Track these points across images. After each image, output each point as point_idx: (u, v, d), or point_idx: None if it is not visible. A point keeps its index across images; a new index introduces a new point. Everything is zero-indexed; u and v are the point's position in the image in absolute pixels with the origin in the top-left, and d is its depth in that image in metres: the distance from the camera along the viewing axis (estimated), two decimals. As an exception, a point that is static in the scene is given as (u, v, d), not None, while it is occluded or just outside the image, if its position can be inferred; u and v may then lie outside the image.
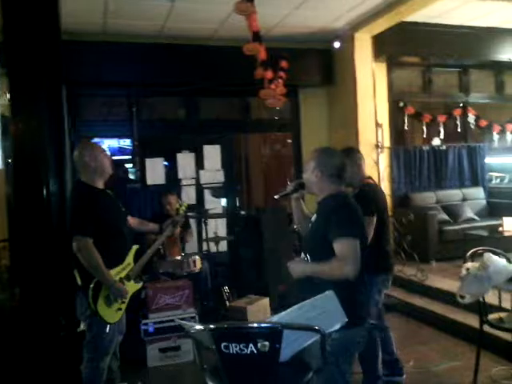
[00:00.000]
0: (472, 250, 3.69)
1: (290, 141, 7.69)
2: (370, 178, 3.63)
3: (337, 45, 6.60)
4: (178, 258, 5.10)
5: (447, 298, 4.92)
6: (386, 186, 6.60)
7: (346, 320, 2.17)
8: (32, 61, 2.62)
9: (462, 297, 3.55)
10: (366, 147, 6.26)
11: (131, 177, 6.76)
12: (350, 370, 2.48)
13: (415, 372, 3.91)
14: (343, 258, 2.29)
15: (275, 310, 4.80)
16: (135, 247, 3.39)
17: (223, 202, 6.89)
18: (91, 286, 3.00)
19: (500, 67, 7.72)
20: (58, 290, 2.71)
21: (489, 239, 5.69)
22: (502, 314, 3.54)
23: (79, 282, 3.05)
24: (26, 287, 2.74)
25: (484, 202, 7.47)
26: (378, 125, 6.66)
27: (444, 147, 7.42)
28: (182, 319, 4.12)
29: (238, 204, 7.09)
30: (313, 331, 2.04)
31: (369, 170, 3.77)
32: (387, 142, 6.86)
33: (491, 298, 3.67)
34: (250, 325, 2.17)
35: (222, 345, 1.98)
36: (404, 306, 5.32)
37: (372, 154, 6.49)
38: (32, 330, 2.66)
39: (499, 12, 6.34)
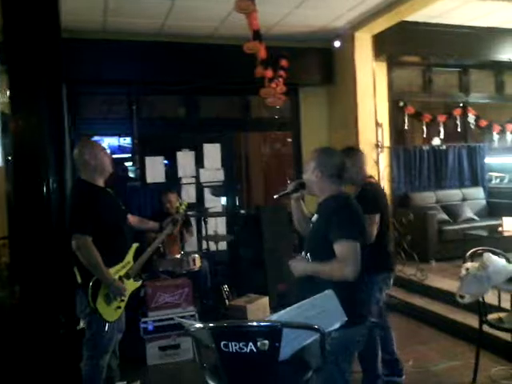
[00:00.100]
0: (472, 250, 3.69)
1: (289, 140, 7.69)
2: (371, 177, 3.66)
3: (337, 44, 6.59)
4: (178, 256, 5.10)
5: (447, 297, 4.93)
6: (385, 186, 6.59)
7: (346, 319, 2.17)
8: (32, 58, 2.61)
9: (462, 297, 3.55)
10: (365, 147, 6.25)
11: (131, 175, 6.76)
12: (350, 368, 2.49)
13: (414, 372, 3.91)
14: (343, 260, 2.29)
15: (275, 308, 4.81)
16: (135, 245, 3.39)
17: (223, 200, 6.88)
18: (90, 284, 3.01)
19: (500, 67, 7.72)
20: (58, 287, 2.71)
21: (488, 239, 5.69)
22: (502, 314, 3.55)
23: (79, 279, 3.05)
24: (25, 285, 2.74)
25: (484, 201, 7.47)
26: (377, 124, 6.66)
27: (444, 147, 7.42)
28: (182, 317, 4.12)
29: (237, 203, 7.08)
30: (312, 330, 2.04)
31: (369, 169, 3.77)
32: (387, 142, 6.86)
33: (491, 298, 3.67)
34: (249, 323, 2.17)
35: (222, 343, 1.98)
36: (404, 305, 5.33)
37: (372, 153, 6.48)
38: (32, 328, 2.66)
39: (499, 12, 6.34)
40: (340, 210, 2.42)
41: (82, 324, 3.22)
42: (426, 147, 7.32)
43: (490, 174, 7.98)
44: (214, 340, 2.00)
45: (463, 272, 3.49)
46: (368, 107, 6.59)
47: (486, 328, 3.56)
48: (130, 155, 6.68)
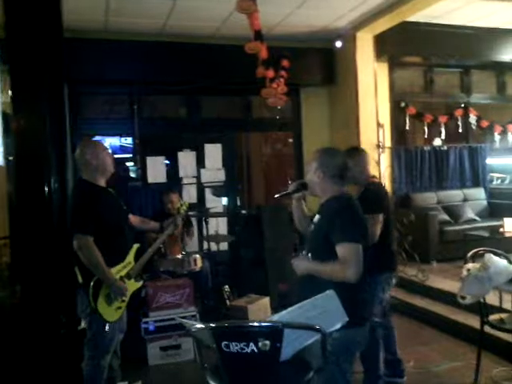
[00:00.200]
0: (473, 251, 3.68)
1: (291, 140, 7.68)
2: (374, 177, 3.68)
3: (338, 44, 6.58)
4: (179, 256, 5.10)
5: (448, 298, 4.92)
6: (387, 186, 6.59)
7: (347, 320, 2.17)
8: (34, 58, 2.62)
9: (463, 297, 3.54)
10: (367, 147, 6.17)
11: (132, 175, 6.76)
12: (351, 369, 2.49)
13: (416, 372, 3.91)
14: (345, 262, 2.29)
15: (276, 309, 4.80)
16: (136, 246, 3.39)
17: (224, 200, 6.88)
18: (92, 283, 3.00)
19: (502, 68, 7.71)
20: (59, 287, 2.71)
21: (489, 240, 5.68)
22: (503, 315, 3.54)
23: (80, 279, 3.05)
24: (26, 285, 2.74)
25: (485, 202, 7.47)
26: (379, 125, 6.66)
27: (445, 148, 7.41)
28: (183, 318, 4.12)
29: (238, 203, 7.08)
30: (313, 330, 2.04)
31: (370, 169, 3.79)
32: (388, 142, 6.86)
33: (492, 298, 3.67)
34: (250, 324, 2.17)
35: (223, 343, 1.98)
36: (405, 306, 5.32)
37: (373, 154, 6.47)
38: (33, 328, 2.66)
39: (501, 13, 6.34)
40: (342, 211, 2.42)
41: (83, 324, 3.22)
42: (427, 148, 7.32)
43: (492, 174, 7.97)
44: (215, 340, 2.00)
45: (464, 273, 3.49)
46: (369, 108, 6.58)
47: (487, 329, 3.56)
48: (131, 155, 6.68)
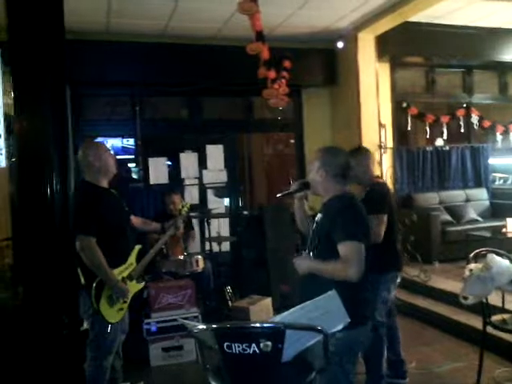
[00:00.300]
0: (475, 251, 3.68)
1: (292, 141, 7.68)
2: (378, 177, 3.69)
3: (340, 45, 6.59)
4: (181, 257, 5.10)
5: (450, 299, 4.91)
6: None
7: (349, 320, 2.17)
8: (36, 60, 2.62)
9: (465, 298, 3.54)
10: (368, 147, 6.24)
11: (134, 176, 6.77)
12: (354, 370, 2.48)
13: (418, 373, 3.90)
14: (347, 261, 2.29)
15: (278, 309, 4.80)
16: (138, 247, 3.39)
17: (226, 201, 6.88)
18: (94, 285, 3.01)
19: (503, 68, 7.70)
20: (61, 288, 2.72)
21: (492, 240, 5.68)
22: (506, 316, 3.53)
23: (82, 280, 3.05)
24: (29, 286, 2.75)
25: (487, 202, 7.46)
26: (381, 125, 6.65)
27: (447, 148, 7.41)
28: (185, 319, 4.12)
29: (240, 204, 7.08)
30: (315, 331, 2.04)
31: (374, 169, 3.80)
32: (390, 143, 6.85)
33: (494, 299, 3.66)
34: (252, 325, 2.17)
35: (225, 344, 1.98)
36: (407, 306, 5.31)
37: (375, 154, 6.47)
38: (35, 329, 2.66)
39: (503, 12, 6.33)
40: (345, 210, 2.42)
41: (85, 325, 3.22)
42: (429, 148, 7.32)
43: (494, 174, 7.96)
44: (217, 341, 2.00)
45: (467, 273, 3.48)
46: (371, 108, 6.58)
47: (489, 329, 3.55)
48: (133, 156, 6.69)
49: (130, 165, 6.97)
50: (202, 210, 5.93)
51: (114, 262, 3.13)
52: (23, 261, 2.82)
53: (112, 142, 7.25)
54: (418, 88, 7.49)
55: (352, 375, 2.44)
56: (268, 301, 5.01)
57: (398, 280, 3.55)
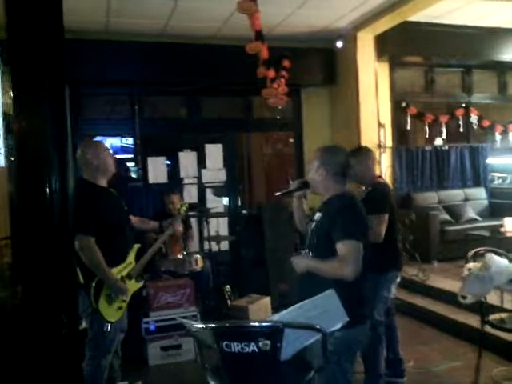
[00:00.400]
0: (474, 251, 3.69)
1: (291, 140, 7.68)
2: (380, 177, 3.72)
3: (339, 44, 6.59)
4: (180, 256, 5.11)
5: (449, 298, 4.92)
6: (387, 186, 6.59)
7: (347, 319, 2.17)
8: (35, 59, 2.62)
9: (464, 297, 3.54)
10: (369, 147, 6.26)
11: (133, 175, 6.77)
12: (352, 368, 2.49)
13: (416, 372, 3.91)
14: (344, 259, 2.30)
15: (276, 308, 4.80)
16: (137, 246, 3.40)
17: (225, 201, 6.89)
18: (93, 284, 3.01)
19: (503, 67, 7.71)
20: (60, 287, 2.72)
21: (490, 239, 5.68)
22: (504, 315, 3.54)
23: (81, 280, 3.06)
24: (27, 285, 2.75)
25: (486, 202, 7.47)
26: (380, 125, 6.66)
27: (446, 147, 7.42)
28: (184, 318, 4.12)
29: (239, 203, 7.08)
30: (314, 330, 2.04)
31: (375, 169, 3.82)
32: (389, 142, 6.85)
33: (493, 298, 3.67)
34: (251, 324, 2.17)
35: (224, 343, 1.98)
36: (405, 306, 5.32)
37: (374, 153, 6.48)
38: (34, 328, 2.66)
39: (502, 12, 6.33)
40: (345, 210, 2.42)
41: (84, 324, 3.23)
42: (428, 147, 7.33)
43: (493, 174, 7.96)
44: (216, 340, 2.00)
45: (465, 272, 3.49)
46: (370, 107, 6.58)
47: (487, 328, 3.56)
48: (132, 156, 6.69)
49: (128, 164, 6.97)
50: (200, 209, 5.93)
51: (113, 260, 3.14)
52: (22, 260, 2.82)
53: (111, 141, 7.25)
54: (417, 87, 7.50)
55: (350, 374, 2.45)
56: (267, 300, 5.02)
57: (398, 279, 3.56)
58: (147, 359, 4.33)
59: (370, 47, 6.56)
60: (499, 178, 8.08)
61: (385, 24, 6.10)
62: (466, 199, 7.34)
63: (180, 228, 4.19)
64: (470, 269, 3.48)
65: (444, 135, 7.51)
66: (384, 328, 3.47)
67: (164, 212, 5.20)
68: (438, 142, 7.50)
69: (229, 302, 5.17)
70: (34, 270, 2.70)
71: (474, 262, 3.58)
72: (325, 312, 2.12)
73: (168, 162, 6.67)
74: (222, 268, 6.10)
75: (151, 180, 6.37)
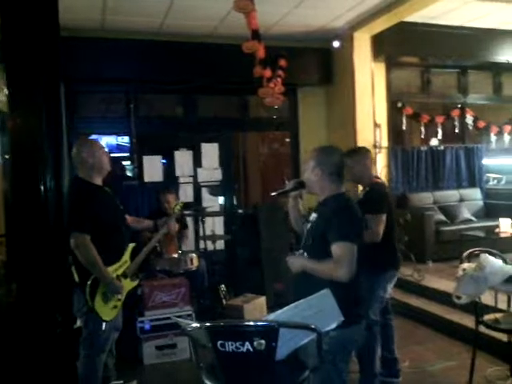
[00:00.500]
0: (468, 251, 3.70)
1: (288, 140, 7.68)
2: (377, 177, 3.73)
3: (336, 44, 6.59)
4: (175, 255, 5.09)
5: (443, 298, 4.93)
6: (383, 186, 6.60)
7: (343, 319, 2.18)
8: (30, 56, 2.61)
9: (459, 297, 3.55)
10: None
11: (129, 174, 6.75)
12: (347, 368, 2.49)
13: (411, 372, 3.92)
14: (339, 261, 2.30)
15: (272, 308, 4.80)
16: (132, 245, 3.39)
17: (221, 200, 6.88)
18: (89, 282, 3.00)
19: (498, 68, 7.73)
20: (55, 286, 2.71)
21: (485, 240, 5.71)
22: (498, 315, 3.55)
23: (76, 278, 3.05)
24: (22, 283, 2.74)
25: (481, 202, 7.49)
26: (376, 125, 6.67)
27: (442, 148, 7.43)
28: (179, 317, 4.12)
29: (235, 202, 7.08)
30: (309, 330, 2.04)
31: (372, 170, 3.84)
32: (385, 142, 6.86)
33: (487, 298, 3.68)
34: (246, 323, 2.17)
35: (219, 343, 1.98)
36: (400, 306, 5.33)
37: (370, 153, 6.49)
38: (28, 326, 2.65)
39: (498, 13, 6.35)
40: (340, 211, 2.42)
41: (78, 323, 3.21)
42: (423, 148, 7.34)
43: (488, 175, 7.98)
44: (211, 339, 2.00)
45: (460, 273, 3.49)
46: (366, 108, 6.59)
47: (482, 329, 3.57)
48: (127, 154, 6.67)
49: (124, 162, 6.95)
50: (196, 208, 5.92)
51: (109, 259, 3.13)
52: (17, 258, 2.80)
53: (106, 140, 7.23)
54: (413, 88, 7.51)
55: (345, 374, 2.45)
56: (262, 299, 5.02)
57: (395, 279, 3.57)
58: (142, 358, 4.32)
59: (366, 47, 6.57)
60: (494, 178, 8.11)
61: (381, 24, 6.11)
62: (462, 200, 7.36)
63: (175, 227, 4.18)
64: (464, 269, 3.48)
65: (440, 136, 7.53)
66: (379, 327, 3.48)
67: (159, 211, 5.19)
68: (434, 142, 7.52)
69: (224, 302, 5.17)
70: (29, 268, 2.69)
71: (469, 262, 3.59)
72: (320, 312, 2.12)
73: (164, 161, 6.65)
74: (218, 267, 6.10)
75: (147, 179, 6.35)
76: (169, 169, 6.60)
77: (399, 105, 7.18)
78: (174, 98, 6.79)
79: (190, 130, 6.74)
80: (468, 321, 4.25)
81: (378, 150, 6.66)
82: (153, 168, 6.38)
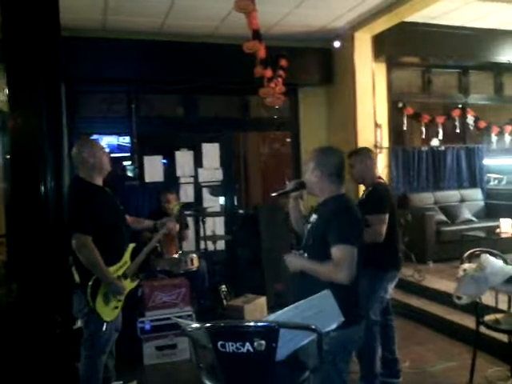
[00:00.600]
0: (469, 251, 3.70)
1: (288, 140, 7.68)
2: (380, 177, 3.73)
3: (337, 44, 6.58)
4: (176, 255, 5.09)
5: (444, 298, 4.93)
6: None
7: (343, 320, 2.17)
8: (31, 57, 2.61)
9: (459, 298, 3.55)
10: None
11: (130, 174, 6.75)
12: (347, 369, 2.49)
13: (411, 372, 3.92)
14: (339, 264, 2.29)
15: (272, 308, 4.81)
16: (132, 245, 3.38)
17: (221, 200, 6.88)
18: (90, 283, 3.00)
19: (499, 68, 7.73)
20: (55, 286, 2.71)
21: (486, 240, 5.70)
22: (499, 316, 3.55)
23: (77, 279, 3.04)
24: (22, 283, 2.74)
25: (482, 203, 7.48)
26: (376, 125, 6.66)
27: (442, 148, 7.43)
28: (179, 317, 4.12)
29: (236, 202, 7.07)
30: (309, 330, 2.04)
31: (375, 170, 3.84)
32: (386, 143, 6.86)
33: (488, 299, 3.67)
34: (246, 324, 2.17)
35: (219, 343, 1.98)
36: (401, 306, 5.32)
37: (371, 154, 6.48)
38: (28, 327, 2.65)
39: (499, 13, 6.35)
40: (340, 213, 2.41)
41: (79, 323, 3.21)
42: (424, 148, 7.33)
43: (489, 175, 7.98)
44: (211, 340, 2.00)
45: (461, 273, 3.49)
46: (367, 108, 6.59)
47: (482, 329, 3.57)
48: (128, 154, 6.67)
49: (125, 163, 6.95)
50: (197, 208, 5.92)
51: (109, 259, 3.12)
52: (17, 258, 2.81)
53: (107, 140, 7.23)
54: (414, 88, 7.50)
55: (345, 374, 2.45)
56: (262, 300, 5.02)
57: (396, 280, 3.57)
58: (142, 359, 4.31)
59: (367, 47, 6.56)
60: (495, 179, 8.10)
61: (382, 24, 6.10)
62: (462, 200, 7.36)
63: (175, 227, 4.17)
64: (465, 269, 3.48)
65: (440, 136, 7.52)
66: (379, 327, 3.48)
67: (160, 211, 5.19)
68: (435, 142, 7.51)
69: (224, 302, 5.17)
70: (29, 268, 2.69)
71: (470, 262, 3.59)
72: (320, 312, 2.12)
73: (164, 161, 6.65)
74: (218, 267, 6.09)
75: (147, 179, 6.34)
76: (169, 169, 6.60)
77: (400, 105, 7.17)
78: (175, 98, 6.79)
79: (190, 130, 6.74)
80: (469, 321, 4.25)
81: (378, 150, 6.65)
82: (153, 168, 6.38)
